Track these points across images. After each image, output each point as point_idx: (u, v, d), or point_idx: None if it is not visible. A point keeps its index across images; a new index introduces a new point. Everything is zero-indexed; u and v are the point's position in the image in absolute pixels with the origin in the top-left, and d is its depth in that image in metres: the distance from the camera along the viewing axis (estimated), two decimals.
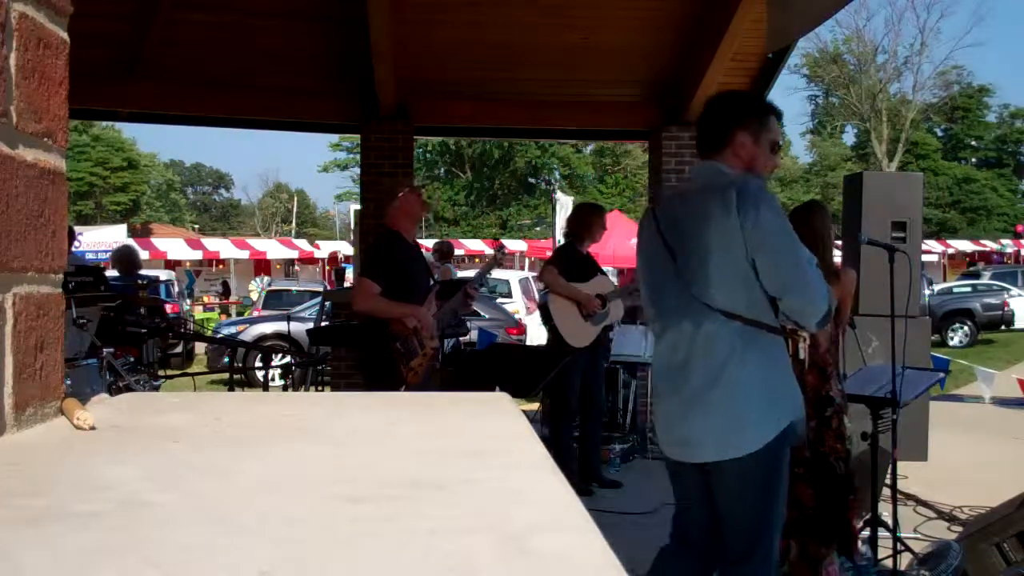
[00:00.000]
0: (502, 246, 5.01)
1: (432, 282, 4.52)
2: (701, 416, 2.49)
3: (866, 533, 3.85)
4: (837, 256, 5.10)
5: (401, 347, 4.15)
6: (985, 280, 20.79)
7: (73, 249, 7.52)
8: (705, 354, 2.47)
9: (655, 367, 2.72)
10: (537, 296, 16.30)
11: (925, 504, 5.16)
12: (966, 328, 17.94)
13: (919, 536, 4.48)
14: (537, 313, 15.32)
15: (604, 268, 6.13)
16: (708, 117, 2.64)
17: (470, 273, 17.38)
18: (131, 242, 16.69)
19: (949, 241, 34.81)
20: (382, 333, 4.16)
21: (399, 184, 4.84)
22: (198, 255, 25.27)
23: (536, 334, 14.33)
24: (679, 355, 2.54)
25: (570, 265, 5.57)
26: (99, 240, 20.90)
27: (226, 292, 23.10)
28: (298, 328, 9.55)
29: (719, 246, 2.43)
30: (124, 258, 7.60)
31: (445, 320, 4.52)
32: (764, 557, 2.54)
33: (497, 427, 0.90)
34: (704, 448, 2.51)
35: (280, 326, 10.76)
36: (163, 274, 16.69)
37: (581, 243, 5.66)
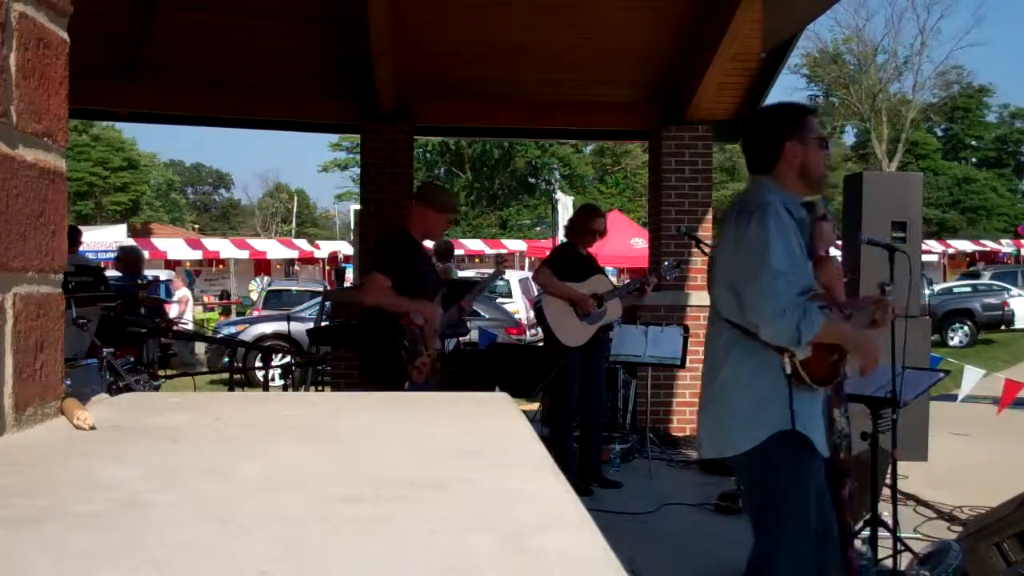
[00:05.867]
0: (504, 259, 5.20)
1: (438, 283, 4.55)
2: (702, 414, 2.71)
3: (866, 533, 3.85)
4: (835, 254, 5.09)
5: (408, 343, 4.17)
6: (985, 280, 20.77)
7: (78, 250, 7.56)
8: (710, 355, 2.68)
9: None
10: (536, 296, 16.31)
11: (925, 504, 5.16)
12: (966, 328, 17.93)
13: (919, 536, 4.48)
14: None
15: (603, 268, 6.12)
16: (752, 137, 2.71)
17: (470, 273, 17.41)
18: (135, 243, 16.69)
19: (949, 241, 34.78)
20: (388, 329, 4.17)
21: (432, 193, 4.47)
22: (198, 255, 25.26)
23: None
24: (705, 355, 2.76)
25: (566, 265, 5.58)
26: (99, 240, 20.83)
27: (225, 296, 23.21)
28: (298, 328, 9.54)
29: (723, 255, 2.62)
30: (130, 258, 7.65)
31: (442, 325, 4.54)
32: (770, 561, 2.55)
33: (497, 427, 0.90)
34: (703, 444, 2.73)
35: (280, 326, 10.75)
36: (163, 274, 16.68)
37: (580, 243, 5.67)
